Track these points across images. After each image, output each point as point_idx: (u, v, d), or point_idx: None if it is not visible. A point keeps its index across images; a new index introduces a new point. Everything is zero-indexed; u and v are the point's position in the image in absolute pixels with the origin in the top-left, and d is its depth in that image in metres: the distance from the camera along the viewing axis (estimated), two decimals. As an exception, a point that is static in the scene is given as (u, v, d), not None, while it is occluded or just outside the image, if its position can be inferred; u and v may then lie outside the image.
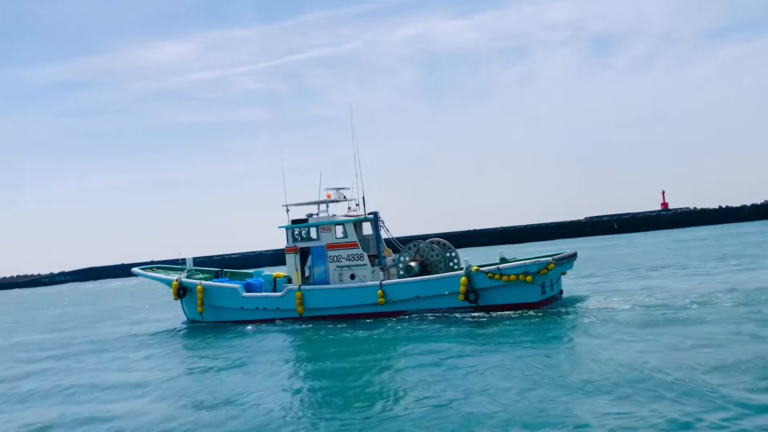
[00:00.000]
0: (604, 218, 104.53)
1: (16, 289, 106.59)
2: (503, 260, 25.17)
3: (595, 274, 35.05)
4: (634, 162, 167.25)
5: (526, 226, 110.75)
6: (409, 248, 26.04)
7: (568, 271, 26.47)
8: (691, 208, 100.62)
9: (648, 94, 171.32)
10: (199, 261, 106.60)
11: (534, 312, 22.32)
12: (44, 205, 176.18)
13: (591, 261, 44.59)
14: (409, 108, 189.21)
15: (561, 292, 25.40)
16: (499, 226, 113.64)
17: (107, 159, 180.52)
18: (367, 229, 27.73)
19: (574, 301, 24.37)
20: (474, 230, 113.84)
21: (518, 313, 22.31)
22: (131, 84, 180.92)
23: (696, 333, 16.40)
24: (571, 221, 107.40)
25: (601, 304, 22.60)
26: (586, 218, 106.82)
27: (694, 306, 20.37)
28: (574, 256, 25.55)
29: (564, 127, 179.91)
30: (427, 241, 26.46)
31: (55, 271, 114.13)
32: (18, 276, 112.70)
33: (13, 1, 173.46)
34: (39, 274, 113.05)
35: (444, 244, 26.35)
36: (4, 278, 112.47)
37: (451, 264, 25.79)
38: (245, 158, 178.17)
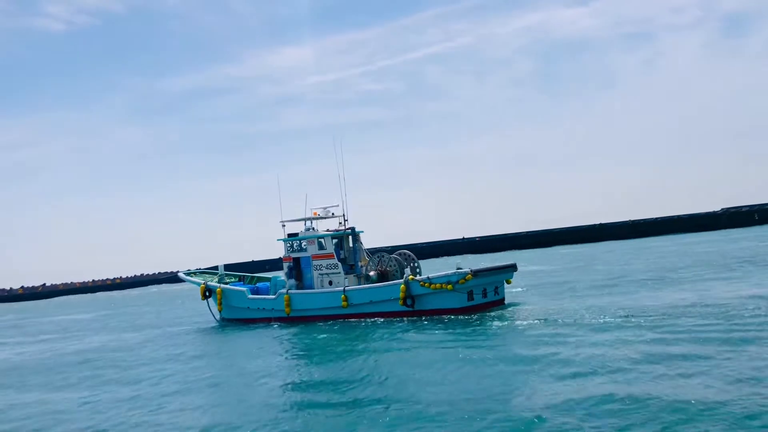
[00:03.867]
0: (743, 209, 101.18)
1: (161, 285, 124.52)
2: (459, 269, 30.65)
3: (594, 281, 38.84)
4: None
5: (655, 219, 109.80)
6: (375, 259, 32.37)
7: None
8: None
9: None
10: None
11: (454, 317, 27.79)
12: (182, 206, 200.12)
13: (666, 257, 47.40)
14: (528, 99, 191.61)
15: (503, 299, 30.43)
16: (628, 220, 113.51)
17: (236, 161, 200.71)
18: (353, 242, 34.28)
19: (509, 307, 29.34)
20: (600, 224, 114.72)
21: (442, 317, 27.95)
22: (257, 89, 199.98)
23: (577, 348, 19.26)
24: (705, 213, 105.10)
25: (526, 314, 26.94)
26: (722, 209, 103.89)
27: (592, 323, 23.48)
28: (510, 267, 30.46)
29: (694, 115, 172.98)
30: (395, 253, 32.58)
31: (192, 267, 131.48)
32: (160, 273, 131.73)
33: (145, 18, 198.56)
34: (178, 271, 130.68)
35: (408, 256, 32.33)
36: (148, 275, 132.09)
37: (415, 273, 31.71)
38: (363, 158, 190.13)
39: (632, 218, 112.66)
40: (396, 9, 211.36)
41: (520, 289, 35.50)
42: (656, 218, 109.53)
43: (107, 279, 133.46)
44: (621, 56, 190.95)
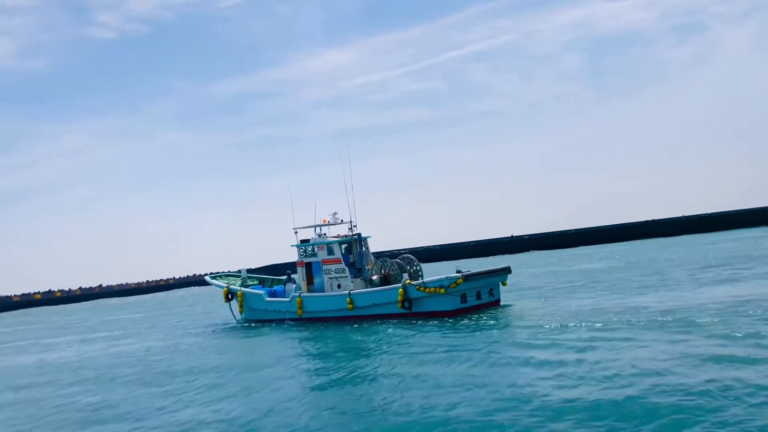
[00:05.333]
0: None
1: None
2: (458, 273, 33.02)
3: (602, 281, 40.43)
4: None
5: (711, 214, 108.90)
6: (379, 263, 35.03)
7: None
8: None
9: None
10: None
11: (449, 319, 30.12)
12: (232, 207, 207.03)
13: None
14: (575, 95, 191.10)
15: (498, 300, 32.64)
16: (681, 215, 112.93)
17: (283, 163, 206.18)
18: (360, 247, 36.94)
19: (504, 308, 31.48)
20: (653, 220, 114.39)
21: (436, 319, 30.34)
22: (303, 93, 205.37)
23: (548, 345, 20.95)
24: (761, 207, 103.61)
25: (516, 315, 29.01)
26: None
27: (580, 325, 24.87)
28: (504, 270, 32.62)
29: (748, 107, 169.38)
30: (398, 257, 35.14)
31: (242, 267, 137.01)
32: (210, 273, 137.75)
33: (193, 25, 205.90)
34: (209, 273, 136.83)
35: (409, 260, 34.83)
36: (199, 275, 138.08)
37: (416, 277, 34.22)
38: (408, 158, 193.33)
39: (685, 214, 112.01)
40: (439, 7, 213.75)
41: (522, 291, 37.54)
42: (711, 213, 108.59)
43: (161, 279, 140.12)
44: (670, 49, 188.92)
